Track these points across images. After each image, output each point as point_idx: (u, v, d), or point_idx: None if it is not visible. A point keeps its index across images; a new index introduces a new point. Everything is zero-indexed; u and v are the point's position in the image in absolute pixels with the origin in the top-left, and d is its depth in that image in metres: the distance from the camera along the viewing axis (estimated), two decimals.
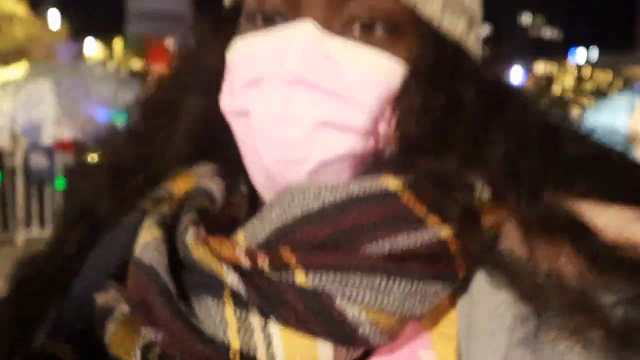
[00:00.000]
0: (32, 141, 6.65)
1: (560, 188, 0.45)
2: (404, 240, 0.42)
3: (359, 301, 0.40)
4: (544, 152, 0.47)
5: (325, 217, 0.43)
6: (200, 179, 0.52)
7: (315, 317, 0.40)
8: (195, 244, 0.44)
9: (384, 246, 0.42)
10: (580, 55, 45.03)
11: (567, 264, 0.41)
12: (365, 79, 0.45)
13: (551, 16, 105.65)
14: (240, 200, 0.53)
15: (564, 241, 0.42)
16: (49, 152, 6.34)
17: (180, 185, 0.52)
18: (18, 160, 6.10)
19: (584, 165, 0.47)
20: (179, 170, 0.54)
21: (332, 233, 0.42)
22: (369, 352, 0.44)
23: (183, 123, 0.56)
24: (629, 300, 0.38)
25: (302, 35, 0.45)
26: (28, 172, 6.03)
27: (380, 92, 0.46)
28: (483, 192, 0.45)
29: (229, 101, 0.50)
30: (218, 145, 0.54)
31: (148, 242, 0.46)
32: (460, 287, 0.45)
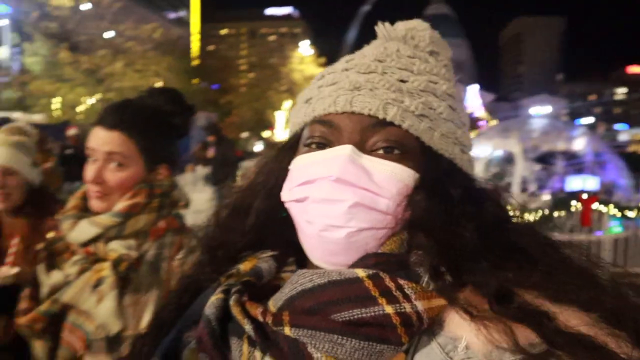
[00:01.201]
0: None
1: (511, 268, 0.64)
2: (359, 312, 0.61)
3: (320, 349, 0.61)
4: (501, 240, 0.67)
5: (313, 293, 0.65)
6: (259, 261, 0.78)
7: (294, 356, 0.62)
8: (233, 305, 0.68)
9: (344, 315, 0.62)
10: None
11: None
12: (385, 181, 0.70)
13: None
14: (289, 274, 0.75)
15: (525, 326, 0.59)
16: None
17: (246, 265, 0.78)
18: None
19: (529, 253, 0.66)
20: (250, 254, 0.80)
21: (314, 304, 0.64)
22: None
23: (250, 220, 0.82)
24: None
25: (344, 153, 0.70)
26: None
27: (396, 190, 0.70)
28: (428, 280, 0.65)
29: (288, 194, 0.76)
30: (275, 235, 0.81)
31: (212, 302, 0.71)
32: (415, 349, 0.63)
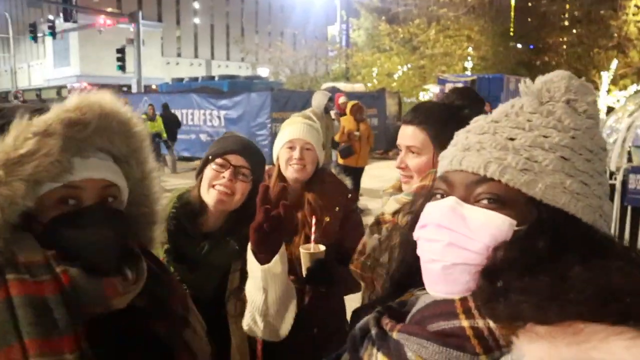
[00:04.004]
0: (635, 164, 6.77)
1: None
2: (444, 324, 0.77)
3: (412, 349, 0.77)
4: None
5: (422, 310, 0.84)
6: (414, 295, 0.94)
7: (395, 353, 0.80)
8: (370, 318, 0.88)
9: (434, 326, 0.78)
10: None
11: None
12: (479, 226, 0.80)
13: None
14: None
15: None
16: None
17: (405, 297, 0.95)
18: (618, 179, 6.35)
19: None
20: (413, 290, 0.97)
21: (420, 317, 0.83)
22: None
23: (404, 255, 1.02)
24: None
25: (447, 204, 0.84)
26: (624, 192, 6.23)
27: (487, 234, 0.79)
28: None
29: (414, 233, 0.90)
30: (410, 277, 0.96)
31: (365, 319, 0.91)
32: None
